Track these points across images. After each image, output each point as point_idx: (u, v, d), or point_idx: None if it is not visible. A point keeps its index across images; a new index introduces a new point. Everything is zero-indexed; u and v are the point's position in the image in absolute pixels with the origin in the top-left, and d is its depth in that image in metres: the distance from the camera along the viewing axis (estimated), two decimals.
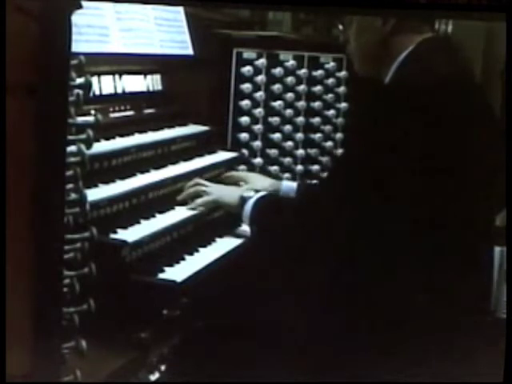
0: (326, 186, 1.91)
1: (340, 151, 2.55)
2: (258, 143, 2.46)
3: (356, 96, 2.43)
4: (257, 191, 1.93)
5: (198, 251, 1.82)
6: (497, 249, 1.84)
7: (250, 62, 2.45)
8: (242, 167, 2.32)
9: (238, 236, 1.95)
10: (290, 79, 2.48)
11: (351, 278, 1.67)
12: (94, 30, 1.93)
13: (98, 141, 1.69)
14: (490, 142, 1.63)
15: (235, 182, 2.13)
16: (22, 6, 1.32)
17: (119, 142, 1.92)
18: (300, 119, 2.51)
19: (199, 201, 1.92)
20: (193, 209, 1.91)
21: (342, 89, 2.54)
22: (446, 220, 1.62)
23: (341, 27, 1.82)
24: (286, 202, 1.99)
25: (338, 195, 1.72)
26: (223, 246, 1.89)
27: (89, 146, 1.44)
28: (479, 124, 1.66)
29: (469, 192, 1.63)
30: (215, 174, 2.15)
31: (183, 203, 1.93)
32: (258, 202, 1.85)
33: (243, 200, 1.87)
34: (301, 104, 2.51)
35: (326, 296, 1.70)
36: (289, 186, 2.10)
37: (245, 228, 1.93)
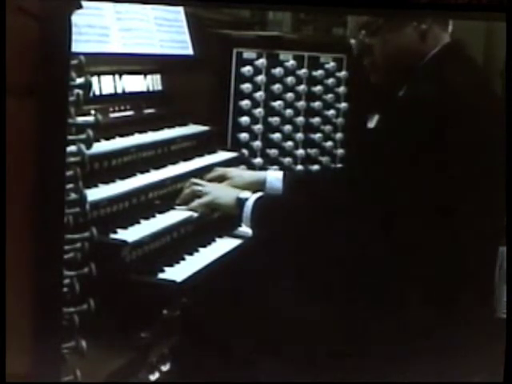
0: (328, 183, 1.91)
1: (340, 151, 2.55)
2: (257, 143, 2.46)
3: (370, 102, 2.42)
4: (254, 191, 1.91)
5: (197, 251, 1.82)
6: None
7: (250, 62, 2.44)
8: (242, 167, 2.31)
9: (238, 236, 1.95)
10: (289, 79, 2.48)
11: (355, 276, 1.67)
12: (94, 30, 1.92)
13: (98, 141, 1.69)
14: (497, 144, 1.62)
15: (219, 180, 2.09)
16: (22, 6, 1.32)
17: (119, 142, 1.92)
18: (300, 119, 2.51)
19: (195, 202, 1.90)
20: (190, 210, 1.89)
21: (342, 89, 2.54)
22: (453, 220, 1.62)
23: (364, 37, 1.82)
24: (283, 200, 1.98)
25: (340, 191, 1.73)
26: (223, 246, 1.89)
27: (89, 146, 1.44)
28: (490, 127, 1.65)
29: (477, 193, 1.63)
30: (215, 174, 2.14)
31: (180, 204, 1.91)
32: (257, 203, 1.83)
33: (240, 201, 1.85)
34: (301, 104, 2.51)
35: (329, 294, 1.70)
36: (274, 176, 2.07)
37: (245, 228, 1.93)
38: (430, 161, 1.61)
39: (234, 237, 1.94)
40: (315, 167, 2.52)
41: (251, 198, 1.85)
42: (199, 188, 1.92)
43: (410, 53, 1.74)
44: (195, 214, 1.89)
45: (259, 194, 1.89)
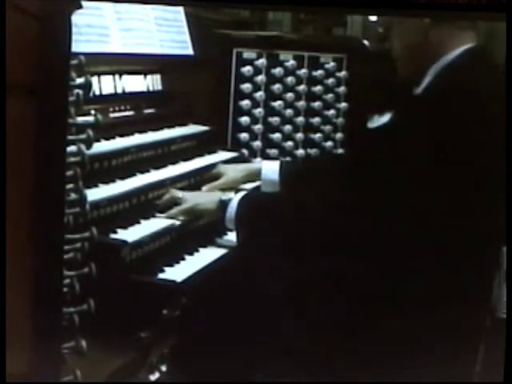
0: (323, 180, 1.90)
1: (340, 151, 2.55)
2: (257, 143, 2.46)
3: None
4: (237, 191, 1.90)
5: (198, 251, 1.82)
6: None
7: (250, 62, 2.45)
8: None
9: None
10: (290, 79, 2.48)
11: (350, 275, 1.67)
12: (94, 30, 1.93)
13: (98, 141, 1.69)
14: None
15: (215, 178, 2.09)
16: (22, 6, 1.32)
17: (119, 142, 1.92)
18: (300, 119, 2.51)
19: (175, 210, 1.86)
20: (171, 218, 1.85)
21: (342, 89, 2.54)
22: (453, 220, 1.62)
23: (381, 30, 1.79)
24: (269, 197, 1.96)
25: (338, 184, 1.72)
26: (223, 245, 1.89)
27: (89, 146, 1.44)
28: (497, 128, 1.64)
29: (479, 193, 1.62)
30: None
31: (161, 213, 1.87)
32: (241, 203, 1.80)
33: (223, 204, 1.82)
34: (301, 104, 2.51)
35: (324, 293, 1.70)
36: (269, 168, 2.05)
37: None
38: (438, 161, 1.60)
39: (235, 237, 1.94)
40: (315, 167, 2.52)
41: (235, 198, 1.82)
42: (179, 195, 1.90)
43: (424, 53, 1.71)
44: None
45: (242, 193, 1.87)
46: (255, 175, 2.07)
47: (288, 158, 2.49)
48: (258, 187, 2.06)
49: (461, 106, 1.60)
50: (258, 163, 2.17)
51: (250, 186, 2.10)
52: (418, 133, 1.61)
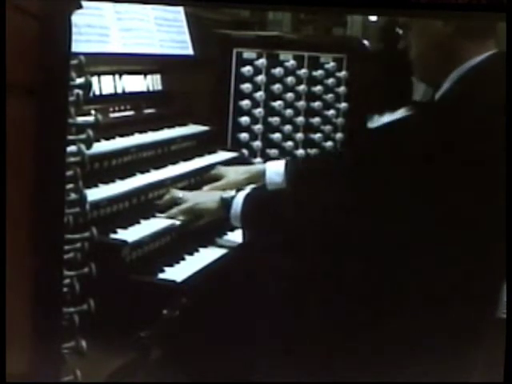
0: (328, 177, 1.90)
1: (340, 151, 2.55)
2: (257, 143, 2.46)
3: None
4: (238, 190, 1.90)
5: (198, 251, 1.82)
6: None
7: (250, 62, 2.45)
8: None
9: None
10: (289, 79, 2.48)
11: (350, 275, 1.67)
12: (94, 30, 1.93)
13: (98, 141, 1.69)
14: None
15: (216, 179, 2.09)
16: (22, 6, 1.32)
17: (119, 142, 1.92)
18: (300, 119, 2.51)
19: (175, 210, 1.86)
20: (171, 218, 1.84)
21: (342, 89, 2.54)
22: (453, 220, 1.61)
23: (400, 31, 1.78)
24: (274, 194, 1.96)
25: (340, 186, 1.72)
26: (223, 245, 1.89)
27: (89, 146, 1.44)
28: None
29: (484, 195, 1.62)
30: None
31: (162, 212, 1.87)
32: (247, 199, 1.80)
33: (225, 201, 1.82)
34: (301, 104, 2.51)
35: (324, 293, 1.70)
36: (273, 170, 2.02)
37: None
38: (444, 162, 1.60)
39: (235, 237, 1.94)
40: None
41: (239, 195, 1.82)
42: (180, 195, 1.90)
43: (446, 54, 1.69)
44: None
45: (247, 190, 1.87)
46: (257, 177, 2.06)
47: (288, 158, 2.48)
48: (263, 185, 2.05)
49: (484, 110, 1.59)
50: (260, 165, 2.17)
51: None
52: (431, 133, 1.61)
